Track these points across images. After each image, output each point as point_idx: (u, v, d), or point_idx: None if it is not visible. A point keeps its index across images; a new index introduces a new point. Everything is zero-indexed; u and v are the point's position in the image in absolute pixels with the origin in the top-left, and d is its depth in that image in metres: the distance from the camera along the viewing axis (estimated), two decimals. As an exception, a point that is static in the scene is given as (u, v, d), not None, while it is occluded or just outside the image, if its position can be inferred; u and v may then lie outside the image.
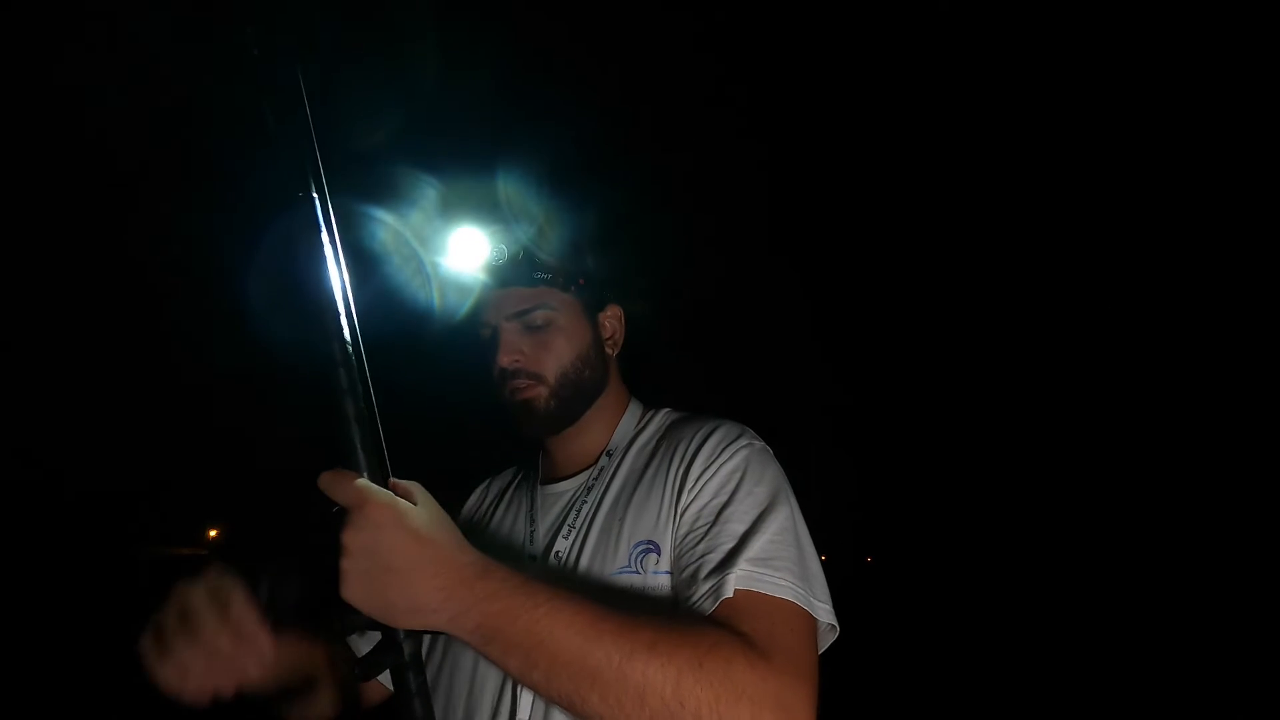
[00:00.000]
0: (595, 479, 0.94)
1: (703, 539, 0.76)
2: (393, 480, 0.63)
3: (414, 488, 0.63)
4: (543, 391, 0.92)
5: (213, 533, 15.45)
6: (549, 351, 0.92)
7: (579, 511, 0.91)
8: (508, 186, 0.96)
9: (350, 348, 0.62)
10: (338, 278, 0.63)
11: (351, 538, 0.57)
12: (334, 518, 0.59)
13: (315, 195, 0.63)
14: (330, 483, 0.59)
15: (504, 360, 0.91)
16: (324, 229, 0.63)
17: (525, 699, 0.78)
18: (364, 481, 0.59)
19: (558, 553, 0.89)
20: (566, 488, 0.97)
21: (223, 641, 0.64)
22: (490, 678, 0.83)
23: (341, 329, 0.62)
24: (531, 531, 0.95)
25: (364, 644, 0.94)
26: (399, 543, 0.58)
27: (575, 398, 0.94)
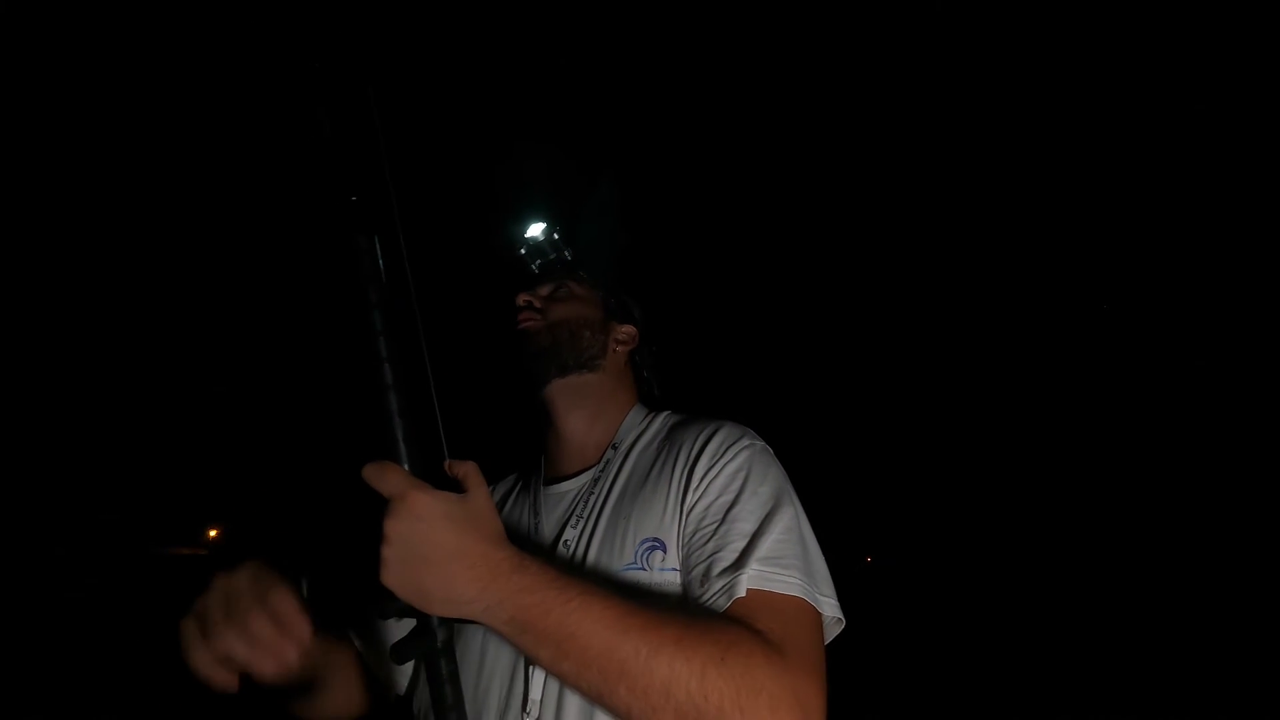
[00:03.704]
0: (601, 473, 0.97)
1: (711, 538, 0.79)
2: (449, 461, 0.67)
3: (470, 470, 0.67)
4: (540, 323, 1.02)
5: (213, 533, 15.45)
6: (558, 302, 1.05)
7: (586, 503, 0.94)
8: (589, 203, 1.12)
9: (394, 345, 0.65)
10: (384, 278, 0.67)
11: (392, 526, 0.60)
12: (377, 507, 0.62)
13: (366, 198, 0.67)
14: (373, 474, 0.62)
15: (520, 298, 1.03)
16: (375, 231, 0.67)
17: (536, 683, 0.81)
18: (405, 473, 0.62)
19: (565, 541, 0.91)
20: (570, 486, 0.99)
21: (264, 628, 0.67)
22: (500, 663, 0.85)
23: (387, 327, 0.65)
24: (535, 524, 0.97)
25: (397, 630, 0.98)
26: (437, 533, 0.60)
27: (569, 345, 1.01)
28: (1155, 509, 12.07)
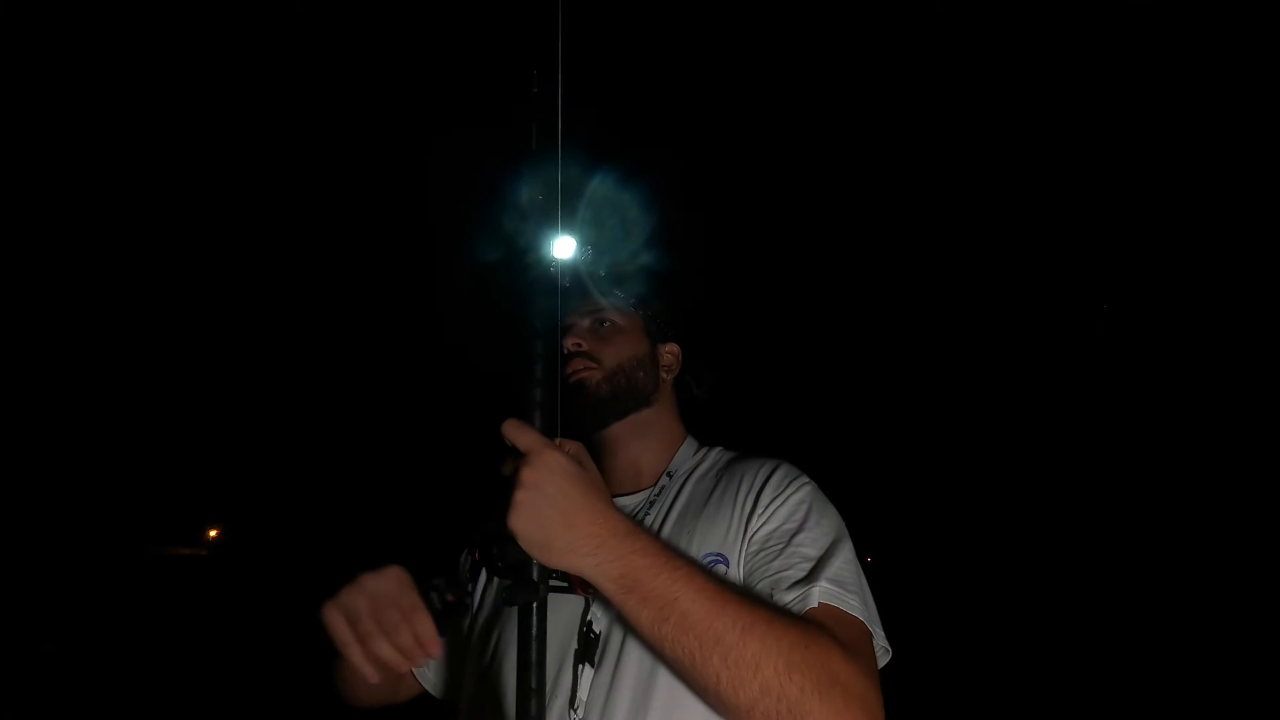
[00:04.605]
0: (657, 495, 1.01)
1: (777, 557, 0.83)
2: (560, 440, 0.72)
3: (579, 448, 0.72)
4: (597, 374, 1.02)
5: (213, 533, 15.44)
6: (608, 344, 1.04)
7: (644, 521, 0.97)
8: (618, 212, 1.09)
9: (545, 322, 0.73)
10: (558, 269, 0.76)
11: (528, 475, 0.64)
12: (505, 459, 0.68)
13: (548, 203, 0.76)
14: (513, 429, 0.67)
15: (569, 343, 1.02)
16: (560, 228, 0.77)
17: (585, 683, 0.84)
18: (540, 433, 0.68)
19: None
20: (627, 503, 1.03)
21: (408, 642, 0.71)
22: (549, 658, 0.86)
23: (553, 309, 0.73)
24: None
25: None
26: (568, 488, 0.65)
27: (626, 390, 1.03)
28: (1155, 509, 12.07)
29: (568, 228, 0.93)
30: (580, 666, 0.85)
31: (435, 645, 0.72)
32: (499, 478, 0.68)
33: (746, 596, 0.67)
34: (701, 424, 1.15)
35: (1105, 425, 12.97)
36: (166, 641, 7.12)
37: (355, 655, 0.71)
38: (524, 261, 0.74)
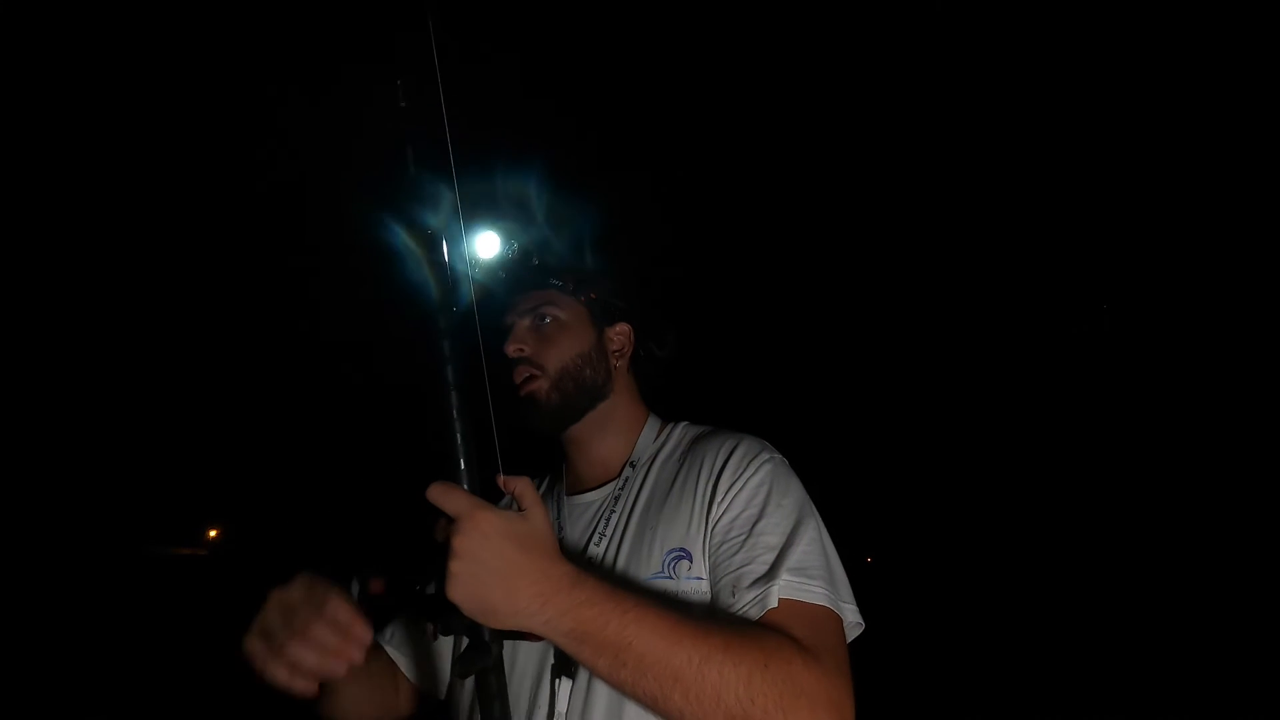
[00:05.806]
0: (622, 489, 0.99)
1: (739, 550, 0.82)
2: (504, 477, 0.69)
3: (524, 487, 0.68)
4: (544, 384, 0.98)
5: (213, 533, 15.44)
6: (551, 345, 0.99)
7: (608, 520, 0.96)
8: (538, 196, 1.01)
9: (460, 372, 0.67)
10: (455, 306, 0.69)
11: (460, 543, 0.62)
12: (436, 526, 0.65)
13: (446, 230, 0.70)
14: (439, 494, 0.64)
15: (510, 349, 0.98)
16: (454, 260, 0.70)
17: (562, 695, 0.84)
18: (469, 494, 0.64)
19: (590, 559, 0.93)
20: (593, 498, 1.01)
21: (327, 636, 0.69)
22: (527, 673, 0.88)
23: (455, 354, 0.67)
24: (560, 538, 0.97)
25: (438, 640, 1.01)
26: (503, 550, 0.62)
27: (577, 393, 1.00)
28: (1155, 509, 12.07)
29: (485, 224, 0.87)
30: (558, 680, 0.85)
31: (360, 628, 0.69)
32: (432, 544, 0.65)
33: (702, 623, 0.66)
34: (701, 411, 1.11)
35: (1104, 425, 12.97)
36: (167, 641, 7.12)
37: (278, 672, 0.69)
38: (431, 313, 0.68)
